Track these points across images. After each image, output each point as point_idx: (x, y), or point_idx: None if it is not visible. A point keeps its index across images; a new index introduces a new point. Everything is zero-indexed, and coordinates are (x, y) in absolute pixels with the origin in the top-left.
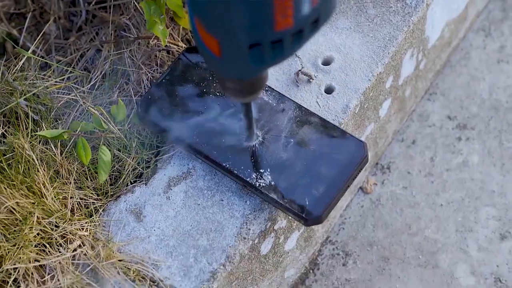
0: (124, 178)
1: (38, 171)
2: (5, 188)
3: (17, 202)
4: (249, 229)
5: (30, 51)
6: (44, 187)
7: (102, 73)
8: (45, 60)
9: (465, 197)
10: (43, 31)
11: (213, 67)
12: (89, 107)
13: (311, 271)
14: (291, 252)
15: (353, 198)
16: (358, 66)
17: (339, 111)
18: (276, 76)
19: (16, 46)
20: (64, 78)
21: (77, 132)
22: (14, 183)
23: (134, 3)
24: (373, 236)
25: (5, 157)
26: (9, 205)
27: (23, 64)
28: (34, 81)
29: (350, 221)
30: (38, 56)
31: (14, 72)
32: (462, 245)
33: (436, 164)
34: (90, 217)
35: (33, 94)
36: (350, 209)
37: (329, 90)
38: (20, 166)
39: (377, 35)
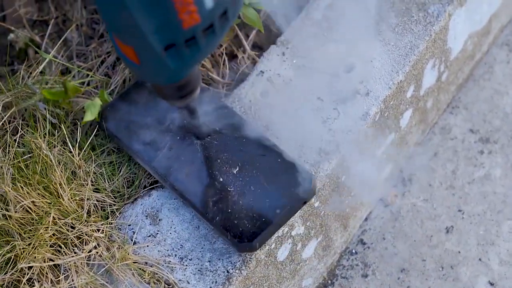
0: (140, 181)
1: (55, 171)
2: (22, 187)
3: (33, 201)
4: None
5: (51, 55)
6: (60, 187)
7: (123, 78)
8: (66, 64)
9: (487, 210)
10: (64, 37)
11: (138, 76)
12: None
13: (329, 281)
14: (309, 261)
15: (373, 209)
16: (379, 74)
17: (358, 118)
18: None
19: (38, 51)
20: (84, 83)
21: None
22: (31, 182)
23: None
24: (393, 248)
25: (23, 158)
26: (25, 204)
27: (44, 69)
28: (54, 86)
29: (370, 232)
30: (59, 61)
31: (34, 76)
32: (483, 258)
33: (458, 177)
34: (106, 219)
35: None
36: (370, 220)
37: None
38: (37, 166)
39: (398, 44)
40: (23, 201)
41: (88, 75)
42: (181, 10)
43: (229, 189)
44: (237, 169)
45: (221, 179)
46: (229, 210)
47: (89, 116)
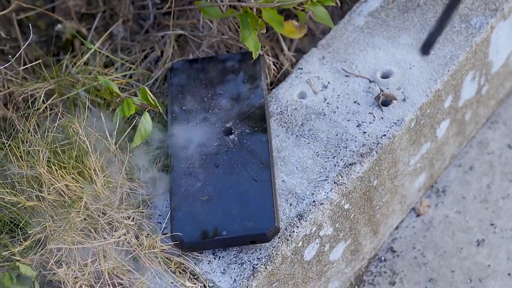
0: None
1: (90, 157)
2: (56, 170)
3: (66, 185)
4: (293, 231)
5: (96, 47)
6: (94, 173)
7: (164, 73)
8: (110, 56)
9: None
10: (110, 30)
11: None
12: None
13: (356, 286)
14: (336, 264)
15: (404, 218)
16: (417, 82)
17: (393, 124)
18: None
19: (84, 41)
20: (126, 75)
21: None
22: (66, 166)
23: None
24: (422, 257)
25: (60, 143)
26: (58, 186)
27: (88, 60)
28: (96, 76)
29: (400, 240)
30: (103, 54)
31: (78, 66)
32: None
33: (493, 191)
34: (138, 207)
35: (94, 88)
36: (401, 228)
37: (385, 103)
38: (73, 151)
39: (438, 53)
40: (56, 184)
41: (130, 68)
42: None
43: (202, 187)
44: (224, 175)
45: (203, 176)
46: (190, 206)
47: (139, 140)
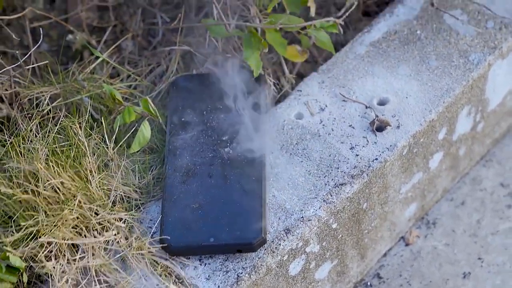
0: None
1: (87, 158)
2: (53, 167)
3: (62, 182)
4: (279, 244)
5: (104, 56)
6: (90, 174)
7: (167, 87)
8: (117, 67)
9: (507, 261)
10: (118, 43)
11: None
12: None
13: None
14: (321, 283)
15: (393, 246)
16: (412, 111)
17: (386, 149)
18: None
19: (92, 50)
20: (131, 86)
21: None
22: (63, 165)
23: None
24: (408, 286)
25: (60, 144)
26: (54, 183)
27: (94, 69)
28: (101, 84)
29: (387, 268)
30: (110, 65)
31: (85, 74)
32: None
33: (482, 227)
34: (130, 211)
35: (98, 95)
36: (389, 256)
37: (379, 128)
38: (71, 152)
39: (435, 85)
40: (52, 180)
41: (136, 79)
42: None
43: (194, 196)
44: (217, 185)
45: (196, 185)
46: (181, 212)
47: (137, 146)
